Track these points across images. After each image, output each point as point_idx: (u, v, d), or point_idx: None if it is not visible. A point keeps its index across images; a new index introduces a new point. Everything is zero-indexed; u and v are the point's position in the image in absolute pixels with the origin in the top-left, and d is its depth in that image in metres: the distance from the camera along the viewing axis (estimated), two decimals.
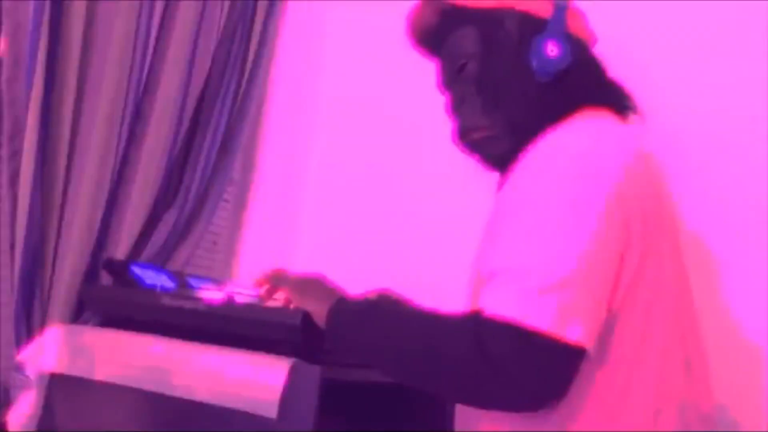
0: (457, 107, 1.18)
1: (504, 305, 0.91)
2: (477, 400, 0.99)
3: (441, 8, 1.20)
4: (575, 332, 0.90)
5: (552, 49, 1.10)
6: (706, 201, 1.47)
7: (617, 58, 1.53)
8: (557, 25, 1.12)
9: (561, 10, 1.14)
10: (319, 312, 1.08)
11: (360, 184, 1.93)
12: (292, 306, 1.13)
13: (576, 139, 1.02)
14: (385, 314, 1.08)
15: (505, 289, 0.93)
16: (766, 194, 1.41)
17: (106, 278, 1.51)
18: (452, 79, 1.19)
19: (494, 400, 0.96)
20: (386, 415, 1.32)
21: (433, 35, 1.22)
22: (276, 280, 1.19)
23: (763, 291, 1.39)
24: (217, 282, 1.57)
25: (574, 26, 1.15)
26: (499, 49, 1.13)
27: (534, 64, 1.10)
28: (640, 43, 1.57)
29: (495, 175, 1.19)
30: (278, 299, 1.17)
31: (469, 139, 1.17)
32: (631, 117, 1.16)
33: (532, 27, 1.12)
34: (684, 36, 1.54)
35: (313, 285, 1.14)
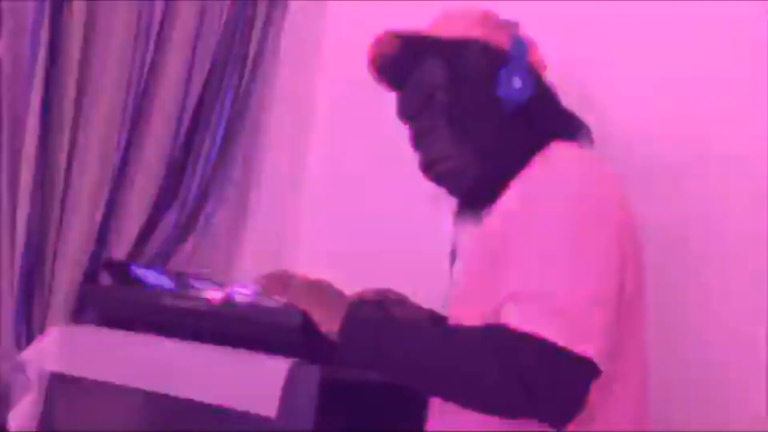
0: (423, 138, 1.18)
1: (528, 323, 0.94)
2: (502, 411, 0.99)
3: (405, 39, 1.19)
4: (590, 350, 0.94)
5: (517, 81, 1.11)
6: (705, 201, 1.47)
7: (609, 61, 1.54)
8: (519, 57, 1.14)
9: (520, 43, 1.16)
10: (327, 319, 1.06)
11: (360, 184, 1.93)
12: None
13: (576, 172, 1.05)
14: (403, 329, 1.08)
15: (528, 309, 0.95)
16: (766, 195, 1.41)
17: (106, 278, 1.51)
18: (418, 110, 1.19)
19: (519, 412, 0.97)
20: (386, 415, 1.32)
21: (397, 66, 1.21)
22: (279, 283, 1.16)
23: (763, 291, 1.39)
24: (217, 282, 1.57)
25: (531, 57, 1.17)
26: (467, 80, 1.14)
27: (501, 95, 1.12)
28: (634, 46, 1.57)
29: None
30: (278, 300, 1.16)
31: (435, 170, 1.18)
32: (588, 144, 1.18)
33: (496, 59, 1.14)
34: (680, 38, 1.54)
35: (319, 290, 1.12)
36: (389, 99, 1.91)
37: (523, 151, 1.11)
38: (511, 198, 1.08)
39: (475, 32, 1.16)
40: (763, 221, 1.40)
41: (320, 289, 1.12)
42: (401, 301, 1.38)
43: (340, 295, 1.12)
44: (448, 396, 1.04)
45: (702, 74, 1.50)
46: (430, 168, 1.18)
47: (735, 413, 1.39)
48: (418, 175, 1.82)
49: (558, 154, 1.10)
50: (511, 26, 1.18)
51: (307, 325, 1.08)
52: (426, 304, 1.37)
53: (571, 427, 0.97)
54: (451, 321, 1.17)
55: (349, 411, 1.20)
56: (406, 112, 1.22)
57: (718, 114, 1.48)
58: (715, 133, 1.48)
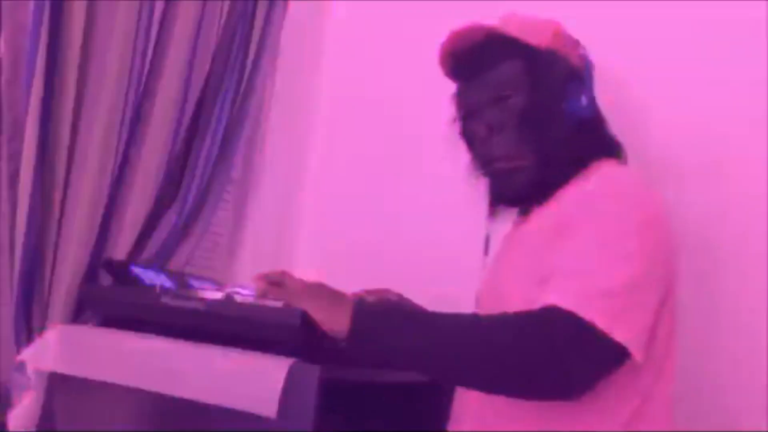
0: (490, 132, 1.20)
1: (568, 298, 0.98)
2: (519, 381, 1.01)
3: (492, 34, 1.22)
4: (624, 335, 0.98)
5: (584, 99, 1.19)
6: (705, 202, 1.47)
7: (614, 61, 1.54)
8: (589, 78, 1.21)
9: (589, 63, 1.22)
10: (330, 318, 1.06)
11: (360, 183, 1.94)
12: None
13: (630, 183, 1.14)
14: (419, 315, 1.12)
15: (572, 285, 1.00)
16: (766, 195, 1.42)
17: (106, 278, 1.51)
18: (488, 104, 1.21)
19: (535, 383, 1.00)
20: (386, 415, 1.32)
21: (474, 58, 1.23)
22: (277, 284, 1.15)
23: (763, 291, 1.39)
24: (217, 282, 1.57)
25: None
26: (543, 89, 1.19)
27: (569, 109, 1.18)
28: (637, 46, 1.57)
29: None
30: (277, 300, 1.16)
31: (497, 167, 1.21)
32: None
33: (569, 74, 1.20)
34: (681, 39, 1.54)
35: (317, 290, 1.11)
36: (389, 99, 1.92)
37: (578, 162, 1.18)
38: (564, 201, 1.14)
39: (556, 45, 1.21)
40: (764, 221, 1.41)
41: (319, 290, 1.12)
42: (399, 300, 1.38)
43: (339, 295, 1.12)
44: (472, 374, 1.05)
45: (703, 75, 1.51)
46: (491, 164, 1.21)
47: (736, 413, 1.39)
48: (417, 175, 1.83)
49: (611, 168, 1.17)
50: (580, 45, 1.24)
51: (307, 325, 1.08)
52: (427, 303, 1.38)
53: (624, 418, 1.03)
54: (480, 307, 1.21)
55: (349, 411, 1.20)
56: (474, 105, 1.24)
57: (722, 116, 1.48)
58: (717, 132, 1.48)
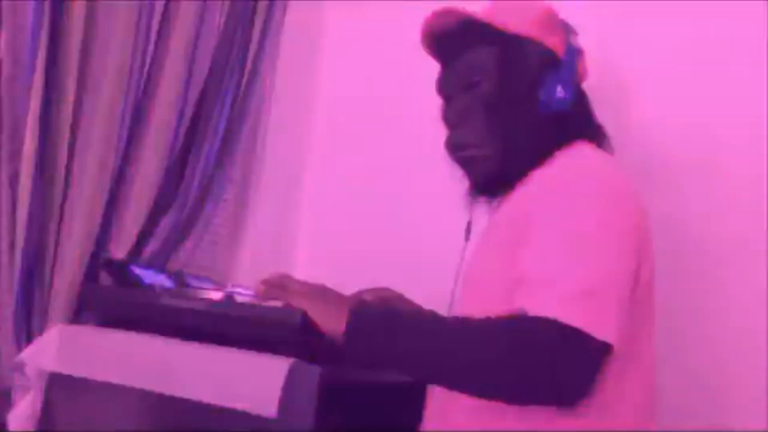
0: (458, 119, 1.19)
1: (546, 306, 0.96)
2: (514, 395, 1.00)
3: (468, 19, 1.20)
4: (608, 333, 0.96)
5: (561, 91, 1.14)
6: (705, 202, 1.47)
7: (614, 63, 1.54)
8: (570, 68, 1.17)
9: (573, 52, 1.18)
10: (329, 320, 1.06)
11: (360, 183, 1.93)
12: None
13: (597, 166, 1.11)
14: (413, 319, 1.09)
15: (546, 291, 0.98)
16: (766, 195, 1.42)
17: (106, 278, 1.51)
18: (460, 90, 1.20)
19: (531, 394, 0.99)
20: (386, 415, 1.32)
21: (451, 42, 1.22)
22: (279, 288, 1.15)
23: (763, 291, 1.39)
24: (217, 282, 1.57)
25: (579, 68, 1.20)
26: (515, 77, 1.16)
27: (542, 99, 1.14)
28: (638, 46, 1.57)
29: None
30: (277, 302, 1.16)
31: (462, 154, 1.20)
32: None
33: (548, 63, 1.16)
34: (681, 37, 1.54)
35: (318, 292, 1.11)
36: (389, 99, 1.92)
37: (548, 150, 1.15)
38: (533, 187, 1.11)
39: (537, 32, 1.18)
40: (764, 221, 1.41)
41: (319, 292, 1.12)
42: (399, 299, 1.38)
43: (339, 297, 1.12)
44: (465, 384, 1.04)
45: (705, 73, 1.51)
46: (457, 150, 1.21)
47: (736, 413, 1.39)
48: (418, 175, 1.83)
49: (581, 152, 1.14)
50: (569, 31, 1.20)
51: (307, 325, 1.08)
52: (426, 303, 1.38)
53: (586, 402, 0.99)
54: (461, 301, 1.19)
55: (349, 411, 1.20)
56: (446, 90, 1.23)
57: (720, 113, 1.48)
58: (717, 132, 1.48)
